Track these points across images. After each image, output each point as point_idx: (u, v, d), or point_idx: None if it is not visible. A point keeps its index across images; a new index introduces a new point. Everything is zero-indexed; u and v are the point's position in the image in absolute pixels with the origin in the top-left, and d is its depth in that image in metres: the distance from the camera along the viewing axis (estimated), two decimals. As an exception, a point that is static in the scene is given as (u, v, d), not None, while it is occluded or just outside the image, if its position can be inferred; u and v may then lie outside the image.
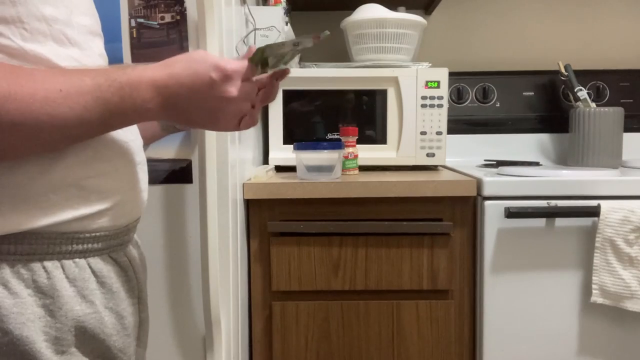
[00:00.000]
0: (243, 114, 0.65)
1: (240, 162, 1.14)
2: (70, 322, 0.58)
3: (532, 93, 1.67)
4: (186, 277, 1.01)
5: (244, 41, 1.19)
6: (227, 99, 0.61)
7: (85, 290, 0.60)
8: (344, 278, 1.20)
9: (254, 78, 0.66)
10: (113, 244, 0.64)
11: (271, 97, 0.70)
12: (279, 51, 0.64)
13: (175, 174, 0.98)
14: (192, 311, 1.01)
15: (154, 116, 0.60)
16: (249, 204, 1.20)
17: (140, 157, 0.69)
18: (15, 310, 0.54)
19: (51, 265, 0.57)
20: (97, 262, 0.62)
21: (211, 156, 0.93)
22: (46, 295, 0.56)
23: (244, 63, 0.62)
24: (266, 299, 1.22)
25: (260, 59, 0.64)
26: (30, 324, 0.55)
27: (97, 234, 0.61)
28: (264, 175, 1.26)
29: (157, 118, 0.61)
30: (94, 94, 0.53)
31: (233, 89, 0.61)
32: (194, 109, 0.61)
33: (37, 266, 0.56)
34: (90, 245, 0.61)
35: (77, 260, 0.59)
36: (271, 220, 1.19)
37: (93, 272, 0.61)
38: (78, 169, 0.58)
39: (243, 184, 1.16)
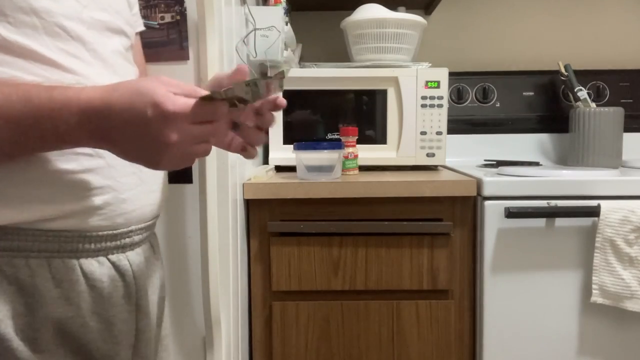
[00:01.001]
0: (197, 156, 0.56)
1: (240, 162, 1.14)
2: (50, 323, 0.57)
3: (532, 93, 1.67)
4: (186, 277, 1.01)
5: (244, 41, 1.19)
6: (164, 142, 0.51)
7: (71, 292, 0.58)
8: (344, 278, 1.20)
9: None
10: (111, 246, 0.62)
11: (265, 124, 0.63)
12: (246, 89, 0.55)
13: (175, 174, 0.98)
14: (192, 311, 1.01)
15: (84, 143, 0.53)
16: (249, 204, 1.20)
17: None
18: None
19: (36, 263, 0.56)
20: (90, 264, 0.60)
21: (211, 156, 0.93)
22: (28, 294, 0.55)
23: (201, 103, 0.53)
24: (266, 299, 1.22)
25: (227, 97, 0.54)
26: (8, 321, 0.54)
27: (90, 233, 0.59)
28: (264, 175, 1.26)
29: (89, 145, 0.54)
30: (1, 112, 0.49)
31: (172, 134, 0.51)
32: (128, 144, 0.53)
33: (21, 263, 0.55)
34: (81, 245, 0.59)
35: (66, 260, 0.58)
36: (271, 220, 1.19)
37: (84, 273, 0.60)
38: (62, 164, 0.56)
39: (243, 184, 1.16)
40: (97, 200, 0.60)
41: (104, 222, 0.61)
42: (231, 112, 0.57)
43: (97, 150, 0.59)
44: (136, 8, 0.78)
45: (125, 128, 0.51)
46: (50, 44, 0.56)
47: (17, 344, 0.54)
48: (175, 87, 0.53)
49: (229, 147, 0.65)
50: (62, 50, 0.57)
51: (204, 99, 0.52)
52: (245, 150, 0.65)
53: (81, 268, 0.59)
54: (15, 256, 0.55)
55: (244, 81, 0.55)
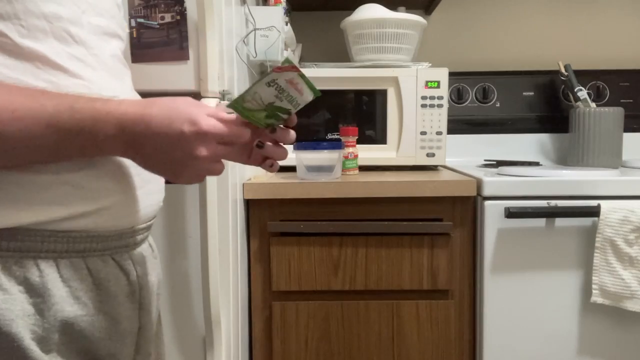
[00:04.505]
0: (211, 174, 0.61)
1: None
2: (59, 323, 0.57)
3: (532, 93, 1.67)
4: (186, 277, 1.01)
5: (244, 41, 1.19)
6: (193, 156, 0.56)
7: (79, 291, 0.59)
8: (344, 278, 1.20)
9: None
10: (115, 246, 0.63)
11: (276, 157, 0.68)
12: (253, 97, 0.59)
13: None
14: (192, 311, 1.01)
15: (116, 153, 0.57)
16: (249, 204, 1.20)
17: None
18: (4, 306, 0.53)
19: (45, 263, 0.56)
20: (96, 263, 0.61)
21: (211, 156, 0.93)
22: (37, 294, 0.55)
23: (229, 126, 0.58)
24: (266, 299, 1.22)
25: (242, 113, 0.60)
26: (19, 320, 0.54)
27: (96, 233, 0.60)
28: (264, 175, 1.26)
29: (120, 155, 0.58)
30: (50, 121, 0.52)
31: (202, 149, 0.56)
32: (158, 156, 0.57)
33: (30, 264, 0.55)
34: (88, 245, 0.60)
35: (74, 259, 0.58)
36: (271, 220, 1.19)
37: (90, 273, 0.60)
38: (73, 166, 0.57)
39: (243, 184, 1.17)
40: (106, 201, 0.60)
41: (111, 223, 0.62)
42: (258, 132, 0.63)
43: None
44: (122, 10, 0.79)
45: (160, 141, 0.55)
46: (58, 48, 0.57)
47: (28, 343, 0.54)
48: (203, 109, 0.58)
49: (247, 161, 0.69)
50: (69, 54, 0.58)
51: (231, 105, 0.59)
52: (271, 166, 0.70)
53: (88, 267, 0.60)
54: (24, 257, 0.55)
55: (259, 80, 0.59)
